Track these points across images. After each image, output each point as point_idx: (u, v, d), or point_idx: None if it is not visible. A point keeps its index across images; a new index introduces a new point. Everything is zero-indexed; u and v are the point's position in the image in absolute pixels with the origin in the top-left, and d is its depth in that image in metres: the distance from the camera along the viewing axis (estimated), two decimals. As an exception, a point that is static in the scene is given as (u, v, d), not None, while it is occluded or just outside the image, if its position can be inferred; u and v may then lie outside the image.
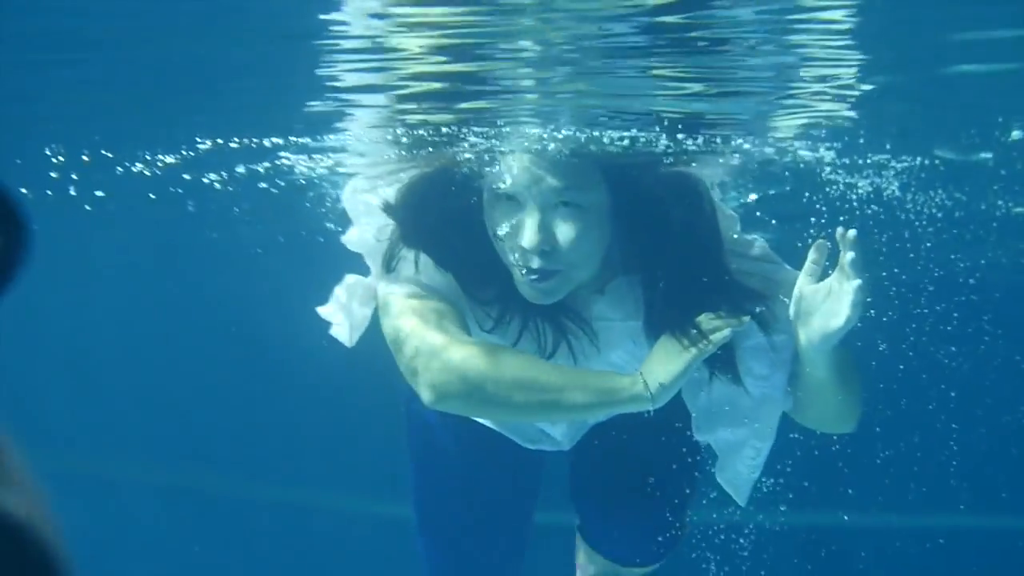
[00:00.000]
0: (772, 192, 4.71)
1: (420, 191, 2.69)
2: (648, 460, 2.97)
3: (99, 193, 5.21)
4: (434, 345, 2.52)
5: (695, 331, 2.48)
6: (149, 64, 3.10)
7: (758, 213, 4.70)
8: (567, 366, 2.65)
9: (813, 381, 2.58)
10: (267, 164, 4.37)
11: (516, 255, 2.53)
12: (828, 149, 3.72)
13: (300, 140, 3.84)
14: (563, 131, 3.21)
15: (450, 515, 3.18)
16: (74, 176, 4.74)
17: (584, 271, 2.59)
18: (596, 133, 3.25)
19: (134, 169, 4.56)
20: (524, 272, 2.54)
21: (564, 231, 2.50)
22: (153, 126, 4.08)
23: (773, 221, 4.79)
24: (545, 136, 3.20)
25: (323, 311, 3.00)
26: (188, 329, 9.04)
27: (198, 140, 4.02)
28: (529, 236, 2.48)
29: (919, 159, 4.18)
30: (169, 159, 4.36)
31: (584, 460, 3.11)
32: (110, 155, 4.39)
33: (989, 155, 4.24)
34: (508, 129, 3.22)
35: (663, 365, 2.47)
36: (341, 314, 2.95)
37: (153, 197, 5.22)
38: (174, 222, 6.97)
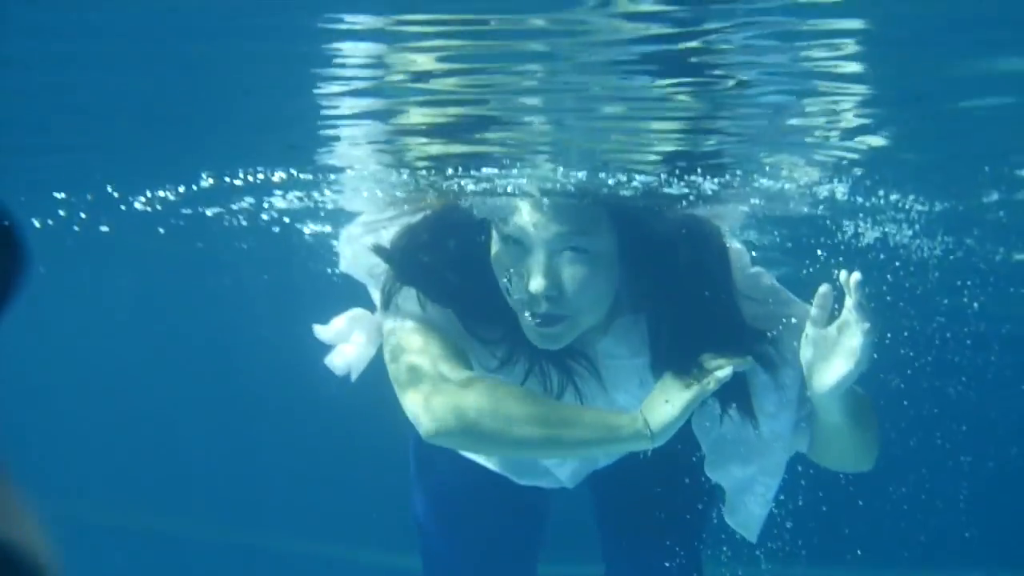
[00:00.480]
0: (781, 237, 4.70)
1: (416, 233, 2.69)
2: (669, 495, 2.96)
3: (104, 228, 5.20)
4: (435, 379, 2.53)
5: (697, 370, 2.47)
6: (150, 96, 3.08)
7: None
8: (568, 403, 2.64)
9: (829, 426, 2.57)
10: (267, 201, 4.36)
11: (523, 299, 2.52)
12: (839, 185, 3.70)
13: (303, 176, 3.82)
14: (571, 174, 3.20)
15: (458, 560, 3.13)
16: (83, 215, 4.74)
17: (592, 316, 2.57)
18: (604, 176, 3.23)
19: (137, 206, 4.55)
20: (531, 316, 2.52)
21: (571, 276, 2.48)
22: (153, 163, 4.07)
23: (789, 244, 4.77)
24: (553, 174, 3.19)
25: (321, 332, 2.96)
26: (187, 373, 9.01)
27: (203, 175, 4.00)
28: (536, 281, 2.47)
29: (927, 203, 4.16)
30: (169, 195, 4.34)
31: (610, 503, 3.10)
32: (115, 194, 4.39)
33: (995, 197, 4.21)
34: (516, 171, 3.21)
35: (664, 403, 2.46)
36: (342, 345, 2.93)
37: (162, 231, 5.21)
38: (179, 259, 6.97)
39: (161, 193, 4.36)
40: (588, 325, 2.59)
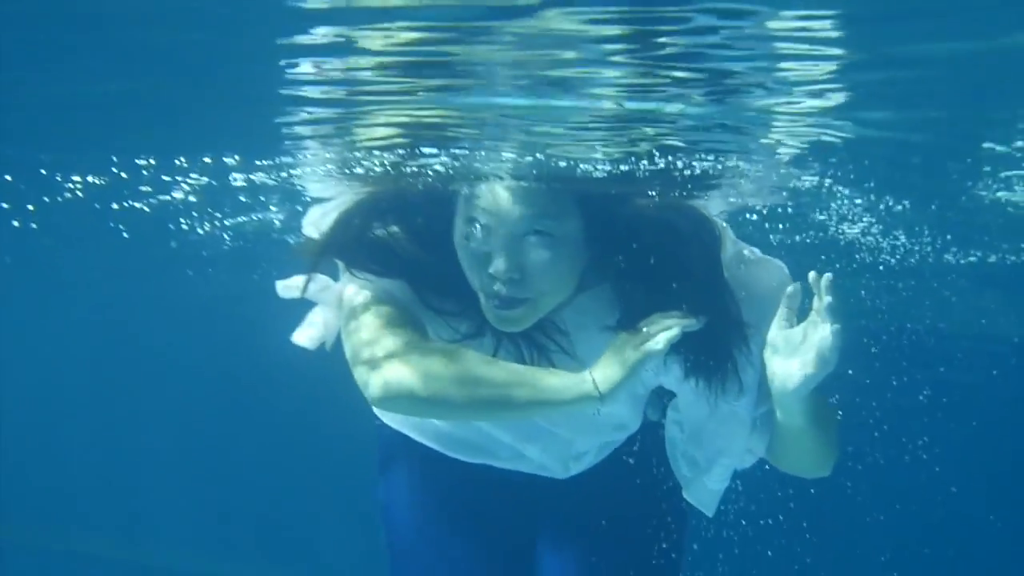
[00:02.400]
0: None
1: (359, 209, 2.66)
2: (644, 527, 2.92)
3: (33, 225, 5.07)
4: (384, 346, 2.54)
5: (646, 330, 2.45)
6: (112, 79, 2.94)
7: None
8: (517, 364, 2.59)
9: (789, 429, 2.55)
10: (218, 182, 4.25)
11: (484, 281, 2.50)
12: (814, 177, 3.62)
13: (262, 162, 3.71)
14: (537, 158, 3.11)
15: None
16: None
17: (554, 298, 2.56)
18: (571, 162, 3.14)
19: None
20: (491, 298, 2.51)
21: (534, 260, 2.47)
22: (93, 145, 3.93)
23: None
24: (520, 158, 3.07)
25: (284, 289, 2.84)
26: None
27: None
28: (498, 264, 2.47)
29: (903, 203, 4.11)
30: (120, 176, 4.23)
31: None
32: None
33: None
34: (483, 153, 3.13)
35: (613, 363, 2.45)
36: (308, 320, 2.89)
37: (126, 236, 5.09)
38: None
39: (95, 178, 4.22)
40: (549, 308, 2.56)
